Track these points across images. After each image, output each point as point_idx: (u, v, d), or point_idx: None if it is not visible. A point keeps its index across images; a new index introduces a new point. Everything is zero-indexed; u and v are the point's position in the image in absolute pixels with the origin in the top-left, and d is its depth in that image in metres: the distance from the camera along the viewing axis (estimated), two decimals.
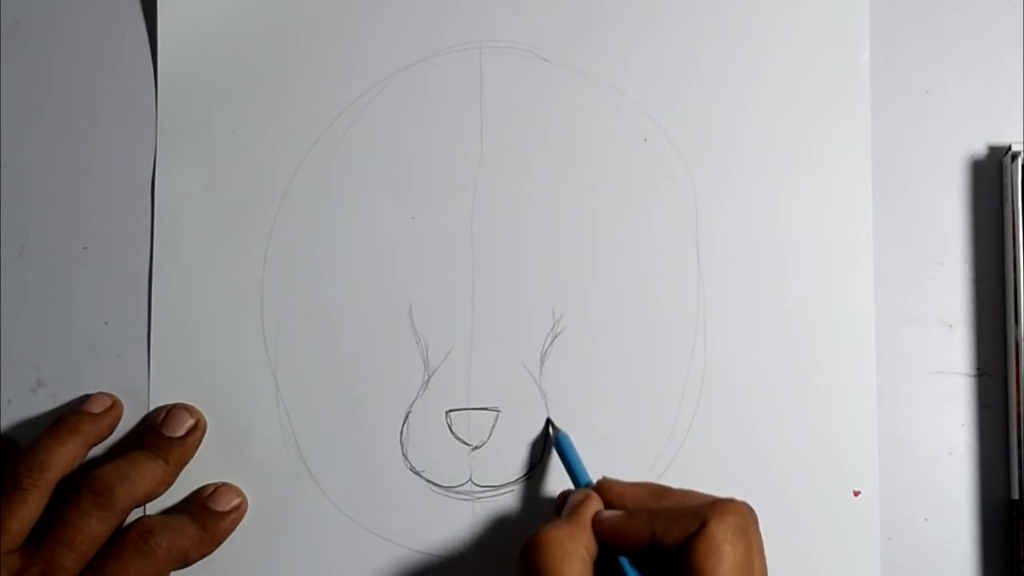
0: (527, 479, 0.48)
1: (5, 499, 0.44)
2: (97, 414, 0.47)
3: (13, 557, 0.43)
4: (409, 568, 0.48)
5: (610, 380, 0.48)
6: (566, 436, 0.47)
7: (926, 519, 0.47)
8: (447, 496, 0.48)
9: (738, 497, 0.41)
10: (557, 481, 0.48)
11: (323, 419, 0.48)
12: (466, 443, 0.48)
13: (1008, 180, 0.47)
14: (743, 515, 0.40)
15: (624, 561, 0.41)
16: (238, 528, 0.48)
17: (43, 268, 0.50)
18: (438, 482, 0.48)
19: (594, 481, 0.44)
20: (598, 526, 0.41)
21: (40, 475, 0.45)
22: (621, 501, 0.43)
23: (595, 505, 0.42)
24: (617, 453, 0.48)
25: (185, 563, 0.46)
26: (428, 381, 0.48)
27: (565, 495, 0.45)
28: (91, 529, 0.44)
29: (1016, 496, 0.46)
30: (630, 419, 0.48)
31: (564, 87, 0.50)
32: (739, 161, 0.49)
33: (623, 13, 0.50)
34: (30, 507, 0.44)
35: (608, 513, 0.42)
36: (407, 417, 0.48)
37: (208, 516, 0.47)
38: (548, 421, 0.48)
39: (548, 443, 0.48)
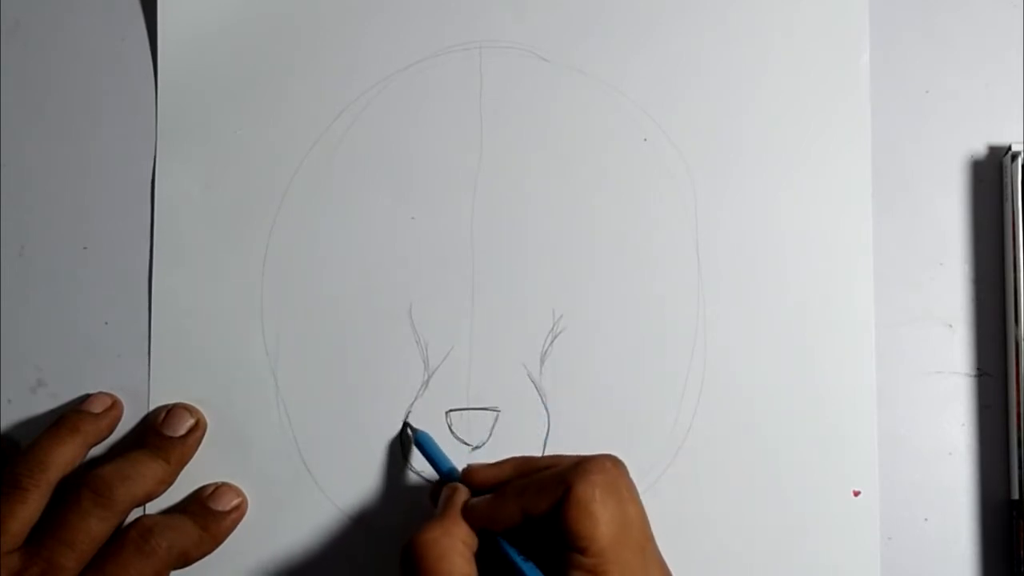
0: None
1: (5, 499, 0.44)
2: (97, 414, 0.47)
3: (13, 557, 0.43)
4: None
5: (610, 380, 0.48)
6: (426, 434, 0.47)
7: (926, 519, 0.47)
8: None
9: (606, 452, 0.41)
10: None
11: (323, 419, 0.48)
12: (466, 443, 0.48)
13: (1008, 180, 0.47)
14: (606, 470, 0.39)
15: (503, 542, 0.41)
16: (238, 528, 0.48)
17: (43, 268, 0.50)
18: None
19: (459, 470, 0.45)
20: (468, 515, 0.41)
21: (40, 475, 0.45)
22: (488, 484, 0.43)
23: (463, 496, 0.42)
24: (616, 453, 0.47)
25: (185, 563, 0.46)
26: (428, 381, 0.48)
27: (438, 486, 0.45)
28: (91, 529, 0.44)
29: (1016, 496, 0.46)
30: (630, 419, 0.48)
31: (564, 87, 0.50)
32: (739, 161, 0.49)
33: (623, 13, 0.50)
34: (30, 507, 0.44)
35: (476, 500, 0.42)
36: (407, 417, 0.48)
37: (208, 516, 0.47)
38: (406, 424, 0.48)
39: (548, 443, 0.48)
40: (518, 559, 0.40)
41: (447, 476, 0.45)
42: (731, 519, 0.47)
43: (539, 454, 0.48)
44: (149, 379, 0.49)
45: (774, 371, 0.48)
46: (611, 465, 0.40)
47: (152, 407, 0.49)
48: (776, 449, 0.47)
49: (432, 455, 0.46)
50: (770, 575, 0.47)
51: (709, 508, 0.47)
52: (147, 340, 0.49)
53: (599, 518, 0.38)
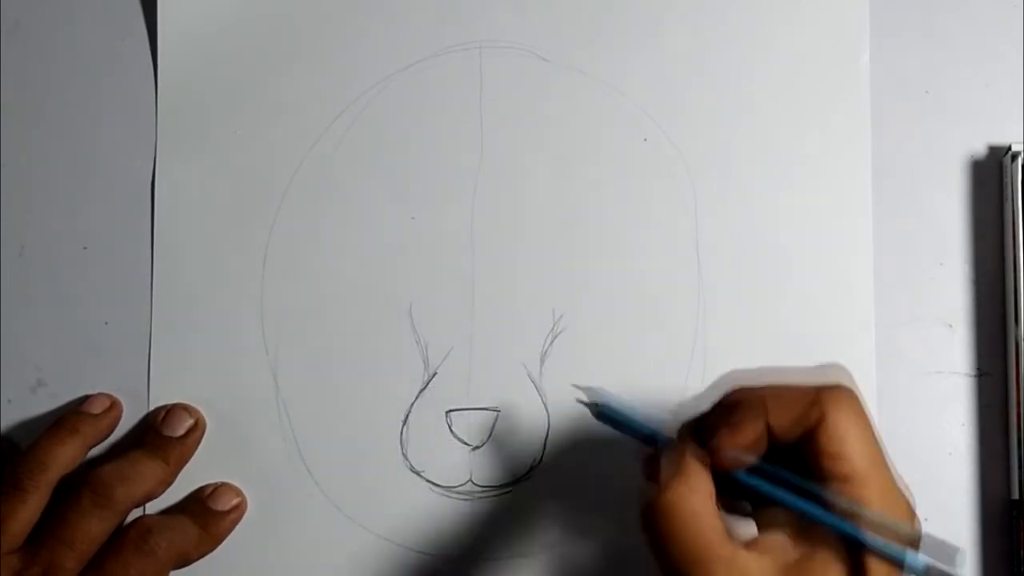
0: (527, 479, 0.48)
1: (5, 499, 0.44)
2: (97, 415, 0.48)
3: (13, 557, 0.43)
4: (409, 568, 0.48)
5: (610, 380, 0.48)
6: (606, 399, 0.41)
7: (926, 519, 0.47)
8: (447, 496, 0.48)
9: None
10: (557, 481, 0.48)
11: (323, 419, 0.48)
12: (466, 443, 0.48)
13: (1008, 180, 0.47)
14: (853, 395, 0.38)
15: (747, 477, 0.38)
16: (238, 528, 0.48)
17: (43, 268, 0.50)
18: (438, 482, 0.48)
19: (664, 433, 0.40)
20: (718, 455, 0.38)
21: (40, 475, 0.45)
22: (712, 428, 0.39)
23: (692, 451, 0.38)
24: (617, 453, 0.48)
25: (185, 563, 0.46)
26: (428, 381, 0.48)
27: (651, 455, 0.40)
28: (91, 529, 0.44)
29: (1016, 496, 0.46)
30: None
31: (564, 87, 0.50)
32: (739, 161, 0.49)
33: (623, 13, 0.50)
34: (30, 507, 0.44)
35: (717, 437, 0.38)
36: (407, 417, 0.48)
37: (208, 516, 0.47)
38: (584, 394, 0.42)
39: (548, 443, 0.48)
40: (775, 490, 0.38)
41: (658, 440, 0.40)
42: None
43: (539, 454, 0.48)
44: (149, 379, 0.49)
45: None
46: (854, 391, 0.39)
47: (152, 407, 0.49)
48: None
49: (632, 425, 0.40)
50: None
51: None
52: (147, 340, 0.49)
53: (858, 444, 0.37)
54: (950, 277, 0.48)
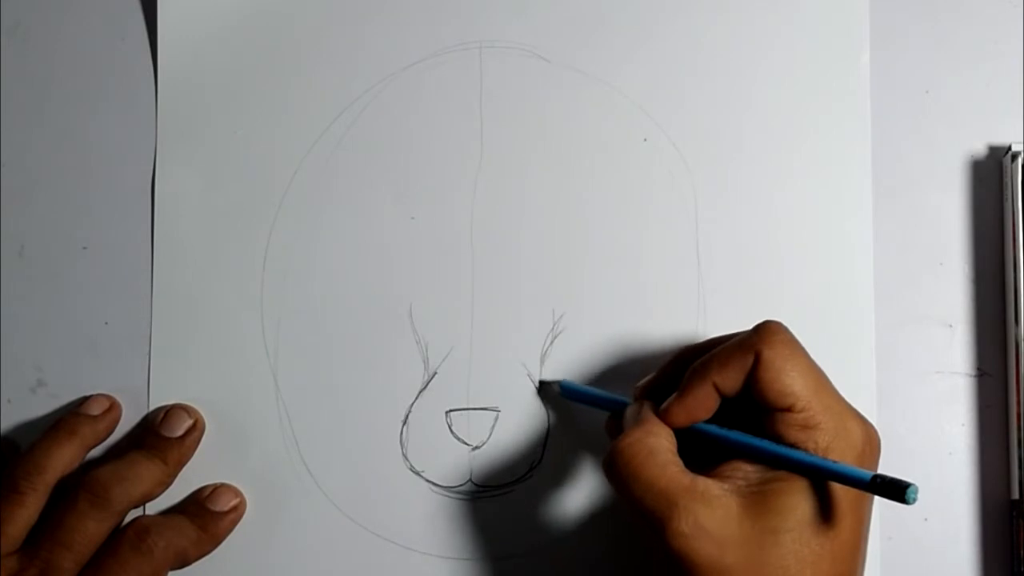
0: (527, 479, 0.48)
1: (3, 503, 0.44)
2: (95, 416, 0.47)
3: (11, 559, 0.43)
4: (409, 568, 0.48)
5: (610, 380, 0.48)
6: (568, 381, 0.47)
7: (926, 519, 0.47)
8: (447, 496, 0.48)
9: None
10: (557, 481, 0.48)
11: (323, 419, 0.48)
12: (466, 443, 0.48)
13: (1008, 180, 0.47)
14: (783, 329, 0.40)
15: (703, 426, 0.40)
16: (238, 528, 0.48)
17: (43, 268, 0.50)
18: (438, 482, 0.48)
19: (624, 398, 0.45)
20: (668, 418, 0.40)
21: (38, 478, 0.45)
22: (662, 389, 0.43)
23: (649, 405, 0.42)
24: None
25: (184, 563, 0.46)
26: (428, 381, 0.48)
27: (613, 420, 0.45)
28: (88, 530, 0.44)
29: (1016, 496, 0.46)
30: None
31: (564, 87, 0.50)
32: (739, 161, 0.49)
33: (623, 13, 0.50)
34: (28, 510, 0.44)
35: (667, 401, 0.41)
36: (407, 417, 0.48)
37: (206, 516, 0.47)
38: (542, 382, 0.48)
39: (548, 443, 0.48)
40: (728, 433, 0.40)
41: (620, 405, 0.44)
42: None
43: (539, 454, 0.48)
44: (149, 379, 0.49)
45: None
46: (782, 325, 0.40)
47: (152, 407, 0.49)
48: None
49: (593, 395, 0.46)
50: None
51: None
52: (147, 340, 0.49)
53: (796, 372, 0.39)
54: (950, 277, 0.48)
